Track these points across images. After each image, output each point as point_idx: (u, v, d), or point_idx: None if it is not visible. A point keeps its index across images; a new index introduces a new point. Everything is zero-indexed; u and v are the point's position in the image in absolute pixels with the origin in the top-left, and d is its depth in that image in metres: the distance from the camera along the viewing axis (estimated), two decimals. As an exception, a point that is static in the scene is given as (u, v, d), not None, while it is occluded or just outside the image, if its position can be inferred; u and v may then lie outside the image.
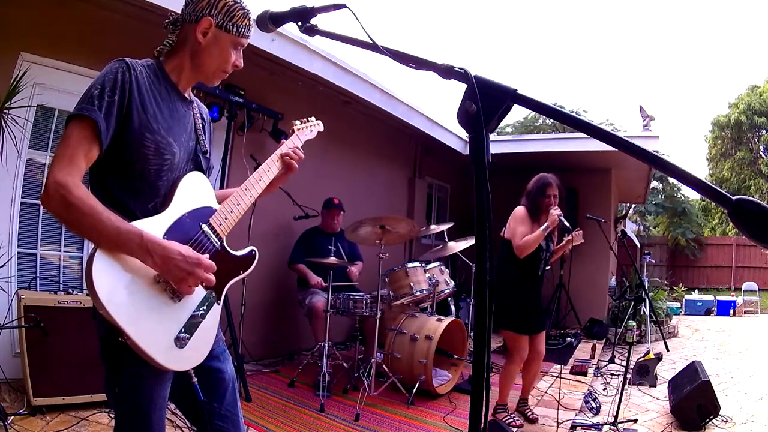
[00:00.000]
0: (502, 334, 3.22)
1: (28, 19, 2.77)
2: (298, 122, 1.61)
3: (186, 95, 1.32)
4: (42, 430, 2.38)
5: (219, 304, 1.26)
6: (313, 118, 1.68)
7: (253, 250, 1.37)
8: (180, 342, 1.12)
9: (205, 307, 1.20)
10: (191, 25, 1.24)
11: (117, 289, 1.03)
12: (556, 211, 2.94)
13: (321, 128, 1.70)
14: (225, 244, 1.29)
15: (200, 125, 1.36)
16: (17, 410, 2.49)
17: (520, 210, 3.08)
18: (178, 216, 1.18)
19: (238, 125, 3.83)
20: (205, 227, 1.22)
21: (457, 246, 4.26)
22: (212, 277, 1.14)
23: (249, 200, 1.34)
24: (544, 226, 2.93)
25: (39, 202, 2.50)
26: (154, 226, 1.11)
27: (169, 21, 1.27)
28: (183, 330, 1.14)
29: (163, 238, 1.11)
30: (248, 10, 1.28)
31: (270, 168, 1.42)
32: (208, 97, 3.47)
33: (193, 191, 1.25)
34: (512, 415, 3.12)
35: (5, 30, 2.68)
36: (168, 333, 1.11)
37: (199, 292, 1.18)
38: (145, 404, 1.16)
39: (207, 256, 1.17)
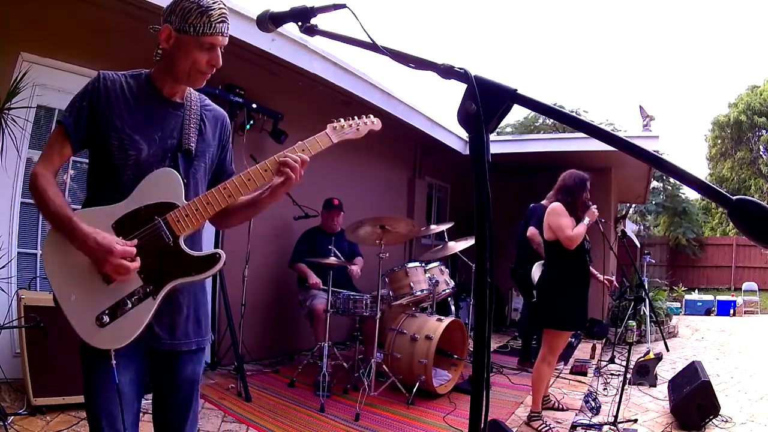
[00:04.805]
0: (543, 333, 3.07)
1: (27, 18, 2.77)
2: (334, 122, 1.51)
3: (177, 99, 1.38)
4: (42, 430, 2.38)
5: (155, 298, 1.24)
6: (370, 115, 1.58)
7: (217, 252, 1.29)
8: (100, 321, 1.20)
9: (135, 298, 1.23)
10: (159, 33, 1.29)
11: (57, 263, 1.22)
12: (594, 207, 3.04)
13: (377, 126, 1.61)
14: (181, 242, 1.27)
15: (194, 126, 1.39)
16: (17, 410, 2.49)
17: (557, 206, 3.02)
18: (133, 208, 1.25)
19: (238, 125, 3.83)
20: (159, 221, 1.26)
21: (457, 246, 4.26)
22: (126, 264, 1.18)
23: (225, 201, 1.30)
24: (586, 221, 2.96)
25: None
26: (104, 215, 1.24)
27: (153, 28, 1.32)
28: (106, 312, 1.21)
29: (112, 227, 1.23)
30: (208, 6, 1.24)
31: (260, 173, 1.33)
32: (208, 96, 3.46)
33: (157, 187, 1.28)
34: (548, 423, 3.01)
35: (5, 30, 2.68)
36: (92, 310, 1.20)
37: (134, 282, 1.23)
38: (91, 386, 1.26)
39: (153, 249, 1.24)
